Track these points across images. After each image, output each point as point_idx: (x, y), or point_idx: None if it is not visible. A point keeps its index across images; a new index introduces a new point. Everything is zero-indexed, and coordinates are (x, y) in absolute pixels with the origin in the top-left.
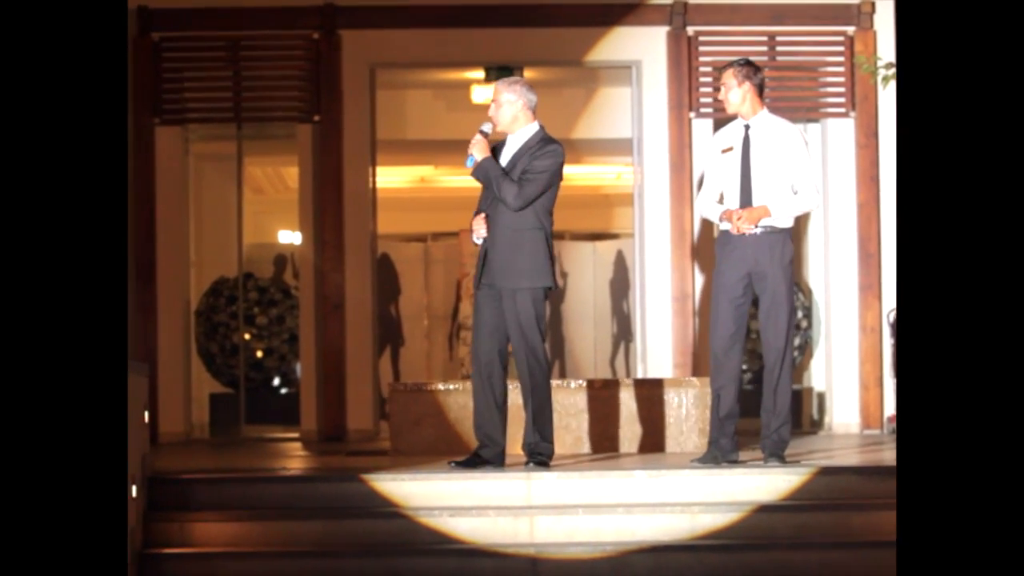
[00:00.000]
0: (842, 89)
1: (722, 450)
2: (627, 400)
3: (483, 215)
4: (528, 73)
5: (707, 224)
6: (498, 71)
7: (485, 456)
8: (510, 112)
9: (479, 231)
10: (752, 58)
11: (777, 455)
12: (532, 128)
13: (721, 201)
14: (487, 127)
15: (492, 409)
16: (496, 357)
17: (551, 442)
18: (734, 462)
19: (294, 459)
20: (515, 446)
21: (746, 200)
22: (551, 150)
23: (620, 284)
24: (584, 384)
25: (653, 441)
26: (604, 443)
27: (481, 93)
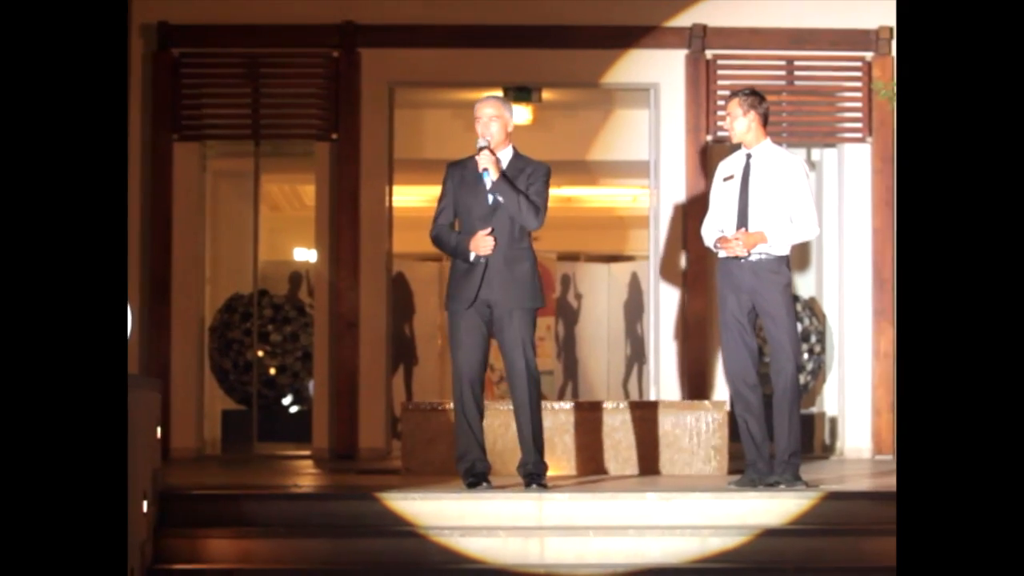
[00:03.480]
0: (859, 115)
1: (759, 473)
2: (638, 422)
3: (490, 231)
4: (546, 94)
5: None
6: (516, 91)
7: (483, 470)
8: (503, 130)
9: (487, 247)
10: (770, 82)
11: (794, 475)
12: (510, 148)
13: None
14: (485, 143)
15: (479, 427)
16: (480, 376)
17: (544, 460)
18: (772, 485)
19: (305, 477)
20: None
21: (742, 228)
22: (547, 170)
23: (634, 306)
24: (594, 406)
25: (665, 463)
26: (614, 465)
27: None
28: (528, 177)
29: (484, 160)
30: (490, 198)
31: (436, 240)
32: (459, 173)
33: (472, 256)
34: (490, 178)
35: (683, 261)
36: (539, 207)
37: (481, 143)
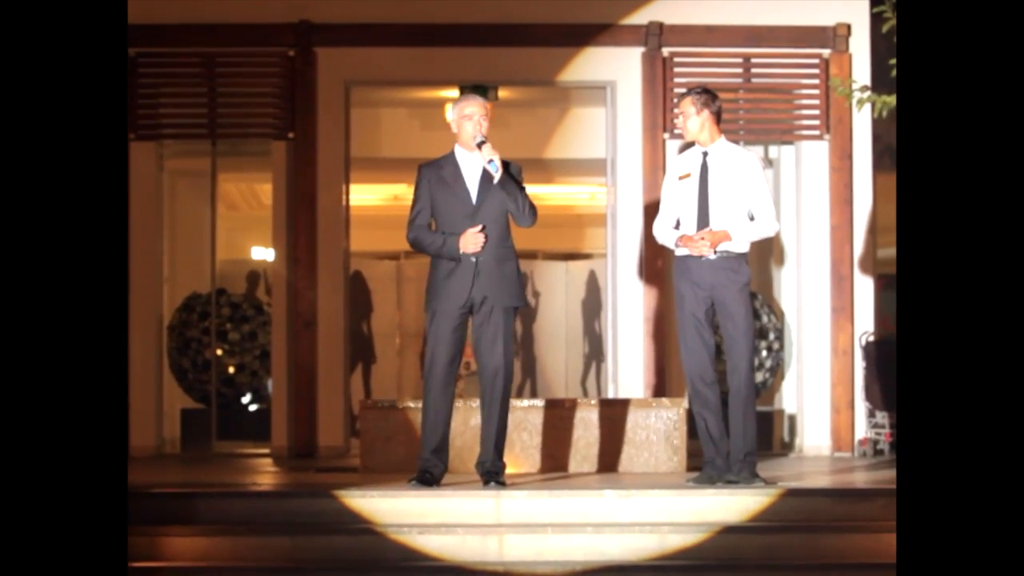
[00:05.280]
0: (817, 112)
1: (718, 470)
2: (596, 420)
3: (481, 228)
4: (502, 92)
5: None
6: (472, 90)
7: (436, 475)
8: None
9: (478, 244)
10: (727, 80)
11: (752, 473)
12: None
13: (677, 227)
14: (483, 138)
15: (446, 426)
16: (453, 373)
17: (502, 459)
18: (730, 482)
19: (264, 475)
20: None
21: (703, 226)
22: (519, 168)
23: (592, 304)
24: (554, 404)
25: (624, 460)
26: (573, 463)
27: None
28: (506, 176)
29: (488, 151)
30: (473, 196)
31: (415, 242)
32: (435, 174)
33: (461, 255)
34: (498, 170)
35: (641, 259)
36: (534, 206)
37: (479, 139)
